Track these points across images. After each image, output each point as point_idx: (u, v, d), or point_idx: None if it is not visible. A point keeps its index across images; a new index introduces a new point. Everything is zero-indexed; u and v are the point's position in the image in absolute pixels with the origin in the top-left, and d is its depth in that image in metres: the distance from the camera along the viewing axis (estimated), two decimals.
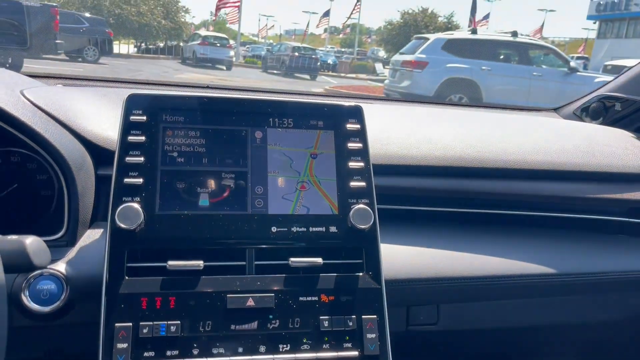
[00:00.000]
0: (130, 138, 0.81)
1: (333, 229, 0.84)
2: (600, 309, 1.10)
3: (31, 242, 0.63)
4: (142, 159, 0.81)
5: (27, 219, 0.90)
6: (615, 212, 1.14)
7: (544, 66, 10.56)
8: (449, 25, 25.93)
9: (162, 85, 1.31)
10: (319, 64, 20.10)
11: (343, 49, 36.53)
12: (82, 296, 0.78)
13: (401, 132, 1.09)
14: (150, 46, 23.67)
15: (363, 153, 0.88)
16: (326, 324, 0.79)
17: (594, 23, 35.77)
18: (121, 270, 0.76)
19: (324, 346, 0.78)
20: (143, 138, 0.82)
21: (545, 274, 1.00)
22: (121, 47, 22.91)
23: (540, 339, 1.14)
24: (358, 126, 0.90)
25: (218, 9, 24.53)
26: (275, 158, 0.87)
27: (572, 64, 10.63)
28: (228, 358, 0.75)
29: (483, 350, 1.18)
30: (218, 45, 19.62)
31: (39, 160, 0.88)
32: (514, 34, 10.43)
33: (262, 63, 22.36)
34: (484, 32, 13.57)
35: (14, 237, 0.60)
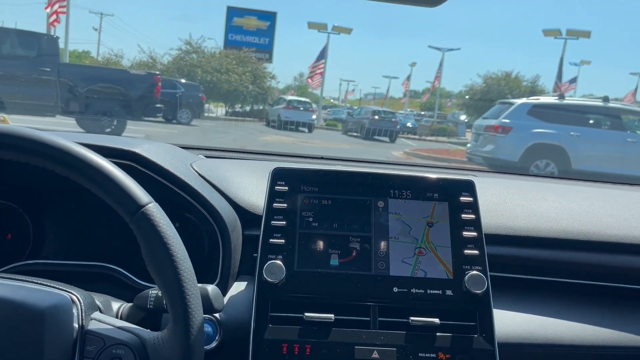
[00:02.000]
0: (275, 205, 0.96)
1: (449, 292, 0.93)
2: None
3: (212, 289, 0.77)
4: (284, 222, 0.95)
5: None
6: None
7: (638, 132, 10.08)
8: (534, 90, 25.51)
9: (282, 155, 1.49)
10: (398, 127, 20.30)
11: (422, 112, 36.82)
12: (232, 339, 0.91)
13: (509, 204, 1.17)
14: (238, 109, 25.12)
15: (476, 223, 0.98)
16: None
17: None
18: (266, 319, 0.89)
19: None
20: (285, 205, 0.96)
21: None
22: (210, 109, 24.51)
23: None
24: (471, 199, 0.99)
25: (311, 77, 25.72)
26: (396, 225, 0.98)
27: None
28: None
29: None
30: (301, 109, 20.43)
31: (194, 222, 1.04)
32: (605, 99, 10.10)
33: (342, 126, 22.99)
34: (572, 97, 13.22)
35: (199, 285, 0.74)
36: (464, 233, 0.97)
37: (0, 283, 0.67)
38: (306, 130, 19.67)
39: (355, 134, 19.95)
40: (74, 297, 0.68)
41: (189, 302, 0.63)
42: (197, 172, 1.06)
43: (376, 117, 19.37)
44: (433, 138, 21.77)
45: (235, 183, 1.11)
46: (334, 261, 0.95)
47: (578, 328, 1.02)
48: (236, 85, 23.21)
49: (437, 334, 0.90)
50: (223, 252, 0.98)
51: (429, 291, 0.93)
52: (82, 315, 0.66)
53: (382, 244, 0.96)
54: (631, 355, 1.01)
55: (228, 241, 0.98)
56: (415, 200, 1.00)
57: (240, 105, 25.32)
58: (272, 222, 0.95)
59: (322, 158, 1.52)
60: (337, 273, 0.93)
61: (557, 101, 10.24)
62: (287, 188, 0.98)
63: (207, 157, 1.31)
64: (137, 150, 0.96)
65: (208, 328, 0.90)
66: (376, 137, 18.70)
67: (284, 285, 0.91)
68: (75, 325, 0.65)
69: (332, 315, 0.89)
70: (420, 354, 0.88)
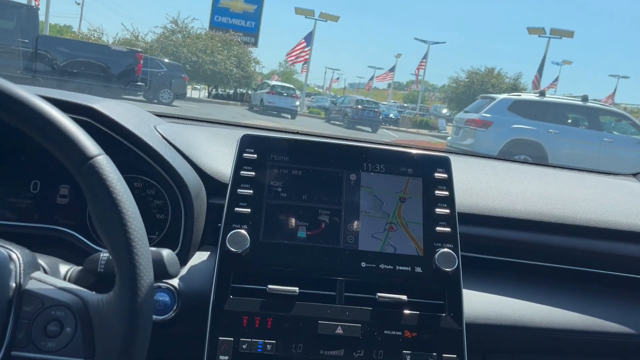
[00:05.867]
0: (242, 172, 0.92)
1: (418, 269, 0.90)
2: None
3: (167, 253, 0.73)
4: (251, 191, 0.91)
5: None
6: None
7: (615, 132, 10.25)
8: (516, 87, 25.73)
9: (257, 129, 1.44)
10: (381, 117, 20.37)
11: (406, 104, 36.92)
12: (190, 310, 0.87)
13: (484, 184, 1.14)
14: (221, 92, 24.90)
15: (449, 200, 0.95)
16: (408, 358, 0.84)
17: None
18: (227, 290, 0.85)
19: None
20: (253, 173, 0.92)
21: (623, 334, 1.00)
22: (192, 92, 24.24)
23: None
24: (445, 175, 0.97)
25: (292, 61, 25.57)
26: (367, 199, 0.94)
27: None
28: None
29: None
30: (285, 94, 20.38)
31: (157, 187, 0.99)
32: (585, 98, 10.23)
33: (325, 114, 22.96)
34: (552, 95, 13.39)
35: (153, 248, 0.70)
36: (437, 210, 0.94)
37: None
38: (289, 116, 19.68)
39: (338, 122, 19.99)
40: (13, 254, 0.63)
41: (137, 263, 0.58)
42: (161, 134, 1.01)
43: (359, 106, 19.42)
44: (414, 130, 21.89)
45: (201, 149, 1.06)
46: (302, 233, 0.91)
47: (546, 311, 1.01)
48: (221, 67, 22.97)
49: (404, 311, 0.87)
50: (185, 219, 0.94)
51: (397, 267, 0.90)
52: (20, 273, 0.61)
53: (352, 218, 0.93)
54: (597, 340, 1.00)
55: (190, 208, 0.94)
56: (388, 174, 0.97)
57: (223, 88, 25.11)
58: (239, 190, 0.91)
59: (297, 133, 1.48)
60: (304, 245, 0.90)
61: (537, 98, 10.34)
62: (256, 156, 0.94)
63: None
64: (96, 106, 0.91)
65: (166, 297, 0.86)
66: (359, 126, 18.77)
67: (247, 256, 0.87)
68: (12, 283, 0.60)
69: (297, 289, 0.86)
70: (385, 331, 0.85)
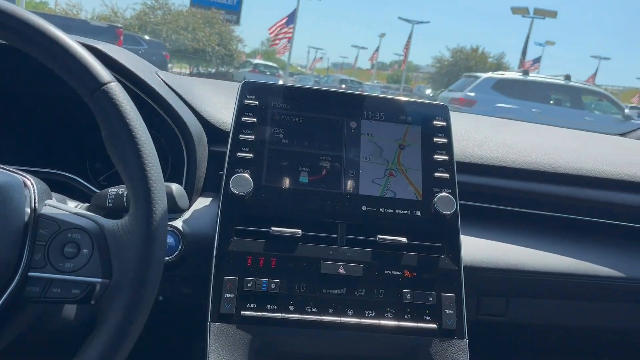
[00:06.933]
0: (244, 118, 0.92)
1: (417, 212, 0.92)
2: None
3: (177, 187, 0.74)
4: (253, 137, 0.91)
5: None
6: None
7: (597, 112, 10.41)
8: (499, 66, 25.89)
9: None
10: None
11: (389, 84, 36.90)
12: (195, 251, 0.88)
13: (481, 135, 1.17)
14: (203, 71, 24.62)
15: (447, 147, 0.97)
16: (408, 297, 0.86)
17: None
18: (230, 231, 0.86)
19: (406, 316, 0.85)
20: (255, 119, 0.93)
21: (614, 277, 1.04)
22: (174, 70, 23.93)
23: (605, 341, 1.16)
24: (444, 123, 0.98)
25: (274, 41, 25.32)
26: (367, 146, 0.96)
27: (627, 112, 10.44)
28: (319, 317, 0.83)
29: (548, 346, 1.22)
30: (268, 73, 20.29)
31: (158, 131, 0.99)
32: (567, 77, 10.35)
33: None
34: (536, 75, 13.53)
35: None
36: (435, 156, 0.96)
37: None
38: None
39: None
40: (27, 181, 0.63)
41: (151, 187, 0.59)
42: (162, 79, 1.01)
43: (343, 86, 19.44)
44: None
45: (202, 97, 1.06)
46: (304, 178, 0.92)
47: (540, 255, 1.04)
48: (203, 45, 22.66)
49: (404, 252, 0.89)
50: (188, 164, 0.94)
51: (397, 211, 0.92)
52: (35, 199, 0.62)
53: (353, 164, 0.94)
54: (589, 283, 1.04)
55: (193, 152, 0.94)
56: (388, 122, 0.98)
57: (205, 67, 24.82)
58: (241, 135, 0.91)
59: None
60: (305, 190, 0.91)
61: (521, 77, 10.43)
62: (257, 102, 0.94)
63: None
64: (99, 46, 0.90)
65: (170, 239, 0.87)
66: None
67: (250, 199, 0.88)
68: (27, 209, 0.61)
69: (299, 231, 0.87)
70: (386, 271, 0.87)
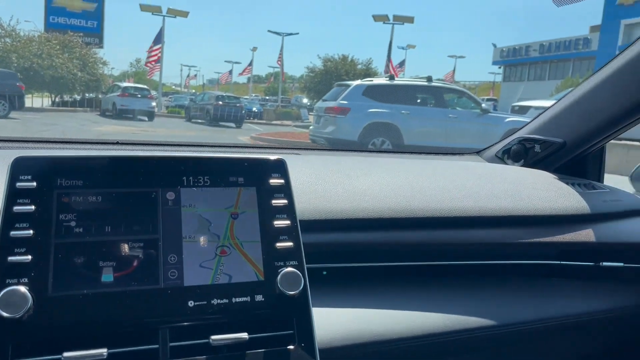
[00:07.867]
0: (17, 208, 0.70)
1: (259, 297, 0.75)
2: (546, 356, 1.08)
3: None
4: (30, 232, 0.69)
5: None
6: (546, 256, 1.13)
7: (458, 108, 11.20)
8: (368, 72, 27.04)
9: (63, 143, 1.18)
10: (243, 112, 20.28)
11: (267, 97, 37.02)
12: None
13: (328, 184, 1.03)
14: (67, 99, 22.97)
15: (289, 210, 0.81)
16: None
17: (499, 68, 38.97)
18: None
19: None
20: (32, 207, 0.70)
21: (486, 327, 0.96)
22: (34, 100, 22.03)
23: None
24: (282, 181, 0.83)
25: (149, 62, 24.47)
26: (191, 221, 0.77)
27: (484, 105, 11.35)
28: None
29: None
30: (139, 96, 19.44)
31: None
32: (429, 79, 11.04)
33: (185, 113, 22.26)
34: (401, 78, 14.28)
35: None
36: (276, 222, 0.80)
37: None
38: (146, 118, 18.88)
39: (200, 120, 19.60)
40: None
41: None
42: None
43: (220, 102, 19.22)
44: (279, 122, 22.08)
45: None
46: (108, 276, 0.71)
47: (407, 317, 0.92)
48: (62, 72, 21.11)
49: (247, 351, 0.72)
50: None
51: (234, 299, 0.74)
52: None
53: (174, 247, 0.75)
54: (462, 339, 0.94)
55: None
56: (214, 187, 0.80)
57: (69, 95, 23.16)
58: (12, 232, 0.68)
59: (117, 143, 1.25)
60: (111, 292, 0.70)
61: (388, 82, 10.93)
62: (34, 184, 0.72)
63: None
64: None
65: None
66: (222, 122, 18.53)
67: (31, 319, 0.65)
68: None
69: (105, 350, 0.66)
70: None
